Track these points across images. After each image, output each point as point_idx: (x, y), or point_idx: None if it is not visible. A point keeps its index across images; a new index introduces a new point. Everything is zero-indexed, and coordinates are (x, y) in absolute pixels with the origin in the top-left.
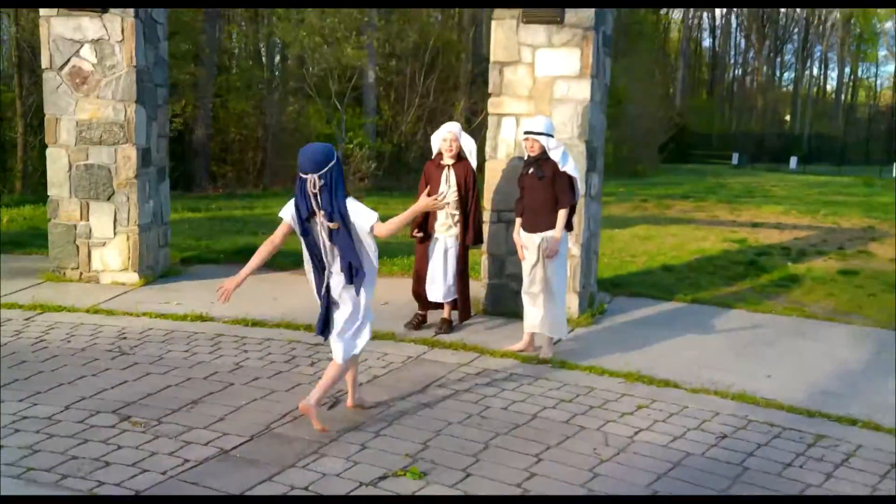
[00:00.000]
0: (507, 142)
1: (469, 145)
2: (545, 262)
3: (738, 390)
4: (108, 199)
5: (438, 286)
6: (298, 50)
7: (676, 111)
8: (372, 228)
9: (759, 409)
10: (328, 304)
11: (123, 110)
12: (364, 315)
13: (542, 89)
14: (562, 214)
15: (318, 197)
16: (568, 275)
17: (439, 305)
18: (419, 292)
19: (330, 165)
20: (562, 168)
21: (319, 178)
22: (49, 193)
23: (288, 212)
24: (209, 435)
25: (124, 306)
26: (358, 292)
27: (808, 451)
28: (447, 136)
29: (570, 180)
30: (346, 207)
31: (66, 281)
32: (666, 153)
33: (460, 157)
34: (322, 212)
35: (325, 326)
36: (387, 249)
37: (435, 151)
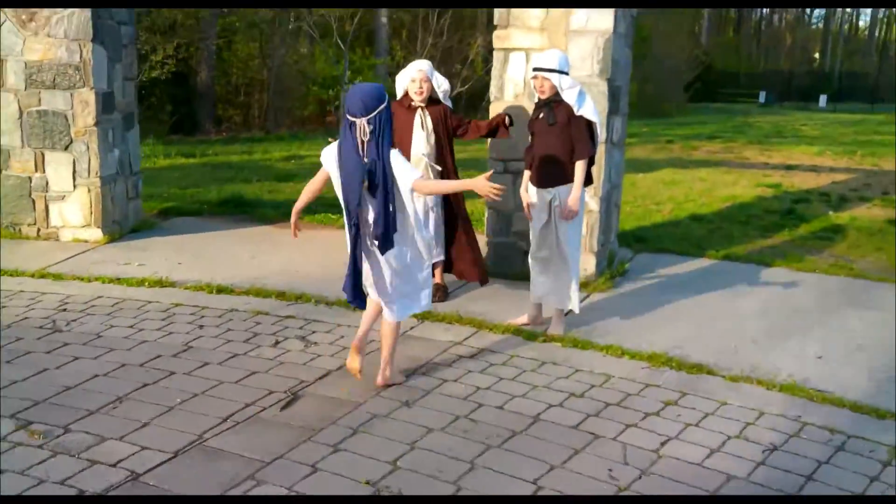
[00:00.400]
0: (515, 81)
1: (443, 85)
2: (558, 222)
3: (786, 378)
4: (66, 148)
5: None
6: None
7: (703, 49)
8: (412, 189)
9: (813, 407)
10: (357, 266)
11: (78, 50)
12: (420, 278)
13: (557, 19)
14: (580, 167)
15: (365, 145)
16: (584, 233)
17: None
18: None
19: (380, 109)
20: (578, 111)
21: (368, 122)
22: (0, 142)
23: (330, 156)
24: (123, 450)
25: (78, 268)
26: (384, 251)
27: (882, 473)
28: (416, 76)
29: (589, 126)
30: (390, 160)
31: (22, 238)
32: (692, 92)
33: (432, 99)
34: (367, 160)
35: (356, 292)
36: None
37: (401, 93)
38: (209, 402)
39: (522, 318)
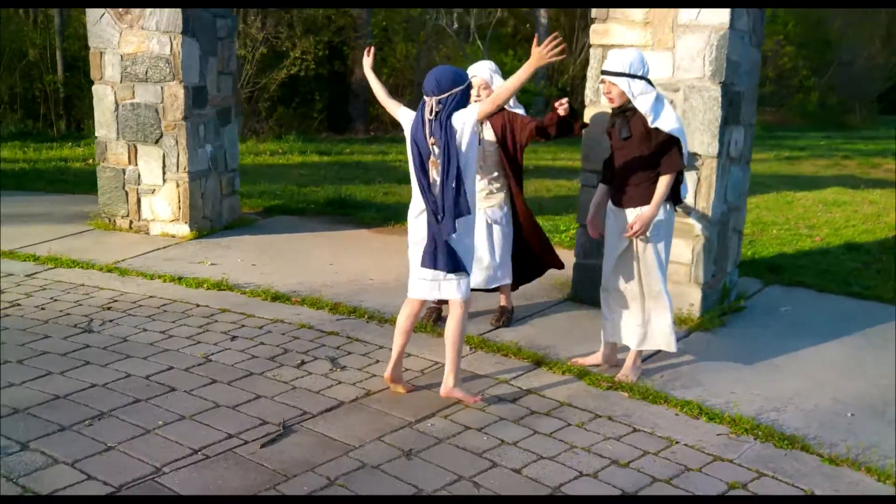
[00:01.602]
0: None
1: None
2: (641, 248)
3: None
4: (156, 142)
5: (479, 270)
6: None
7: None
8: (479, 119)
9: None
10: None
11: (169, 43)
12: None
13: (663, 12)
14: (663, 184)
15: (432, 123)
16: (690, 261)
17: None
18: None
19: (454, 91)
20: (652, 123)
21: (438, 102)
22: (96, 134)
23: (406, 119)
24: (67, 478)
25: (148, 264)
26: (447, 234)
27: None
28: (475, 83)
29: (673, 137)
30: (454, 141)
31: (115, 230)
32: (885, 103)
33: None
34: (433, 139)
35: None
36: None
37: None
38: (191, 427)
39: (591, 358)
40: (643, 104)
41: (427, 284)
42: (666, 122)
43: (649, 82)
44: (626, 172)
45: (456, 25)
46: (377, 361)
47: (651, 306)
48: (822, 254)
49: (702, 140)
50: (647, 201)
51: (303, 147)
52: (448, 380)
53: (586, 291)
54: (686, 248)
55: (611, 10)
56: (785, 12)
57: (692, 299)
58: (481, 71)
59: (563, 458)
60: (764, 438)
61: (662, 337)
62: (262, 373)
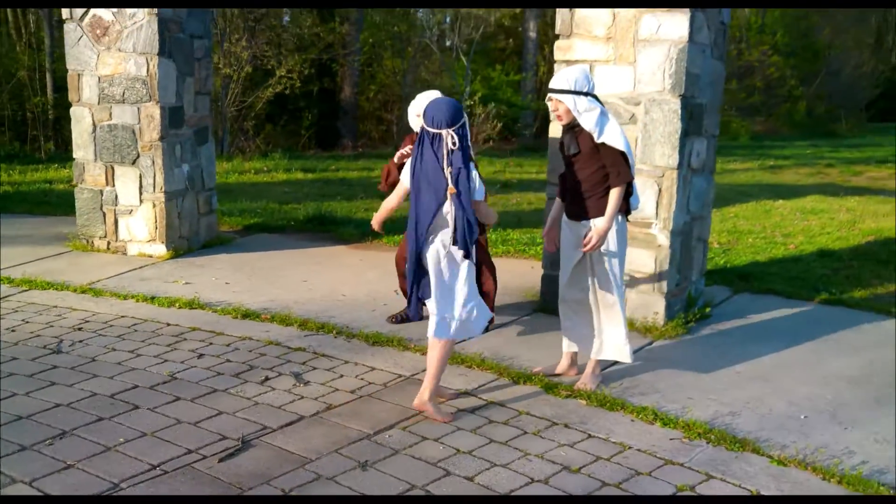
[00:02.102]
0: None
1: None
2: (595, 259)
3: (855, 466)
4: (133, 162)
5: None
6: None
7: (891, 65)
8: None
9: None
10: (418, 276)
11: (146, 64)
12: (470, 292)
13: (625, 27)
14: (614, 196)
15: (451, 155)
16: (653, 271)
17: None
18: (405, 287)
19: (463, 121)
20: (598, 138)
21: (454, 132)
22: (74, 156)
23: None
24: (24, 495)
25: (122, 285)
26: (468, 255)
27: None
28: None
29: (621, 151)
30: (470, 170)
31: (93, 251)
32: (873, 111)
33: None
34: (450, 168)
35: (416, 305)
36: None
37: (416, 127)
38: (152, 444)
39: (554, 368)
40: (588, 121)
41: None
42: (611, 137)
43: (595, 98)
44: (578, 187)
45: (447, 42)
46: (341, 376)
47: (605, 317)
48: (794, 261)
49: (662, 152)
50: (599, 214)
51: (288, 164)
52: (424, 393)
53: (554, 302)
54: (649, 257)
55: (574, 24)
56: (773, 22)
57: (656, 308)
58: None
59: (515, 465)
60: (716, 442)
61: (616, 348)
62: (225, 389)
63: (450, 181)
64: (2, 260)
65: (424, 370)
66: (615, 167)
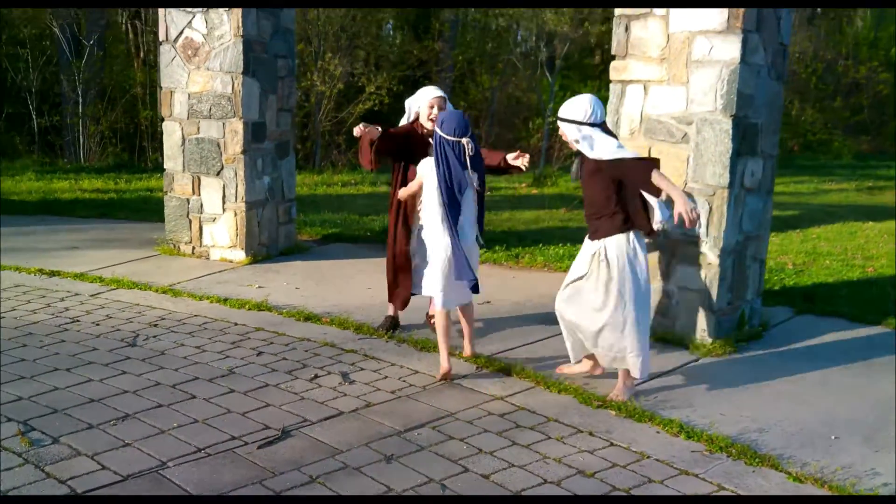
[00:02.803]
0: (632, 116)
1: None
2: (618, 274)
3: (874, 487)
4: (217, 174)
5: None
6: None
7: None
8: None
9: None
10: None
11: (231, 82)
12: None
13: (678, 49)
14: (661, 180)
15: (473, 160)
16: (701, 289)
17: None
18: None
19: (471, 130)
20: (591, 156)
21: (470, 139)
22: (165, 167)
23: (428, 168)
24: (85, 466)
25: (201, 287)
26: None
27: None
28: (433, 102)
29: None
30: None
31: (179, 255)
32: None
33: None
34: (474, 173)
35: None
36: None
37: (412, 115)
38: (202, 430)
39: (580, 367)
40: (583, 147)
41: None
42: (600, 151)
43: (600, 126)
44: (589, 208)
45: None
46: (385, 377)
47: (628, 327)
48: (868, 284)
49: (713, 171)
50: (606, 234)
51: (374, 178)
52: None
53: None
54: (699, 275)
55: (629, 46)
56: (888, 37)
57: (704, 325)
58: (439, 92)
59: (532, 466)
60: (737, 456)
61: (631, 360)
62: (276, 384)
63: (474, 182)
64: (95, 260)
65: (465, 376)
66: (626, 169)
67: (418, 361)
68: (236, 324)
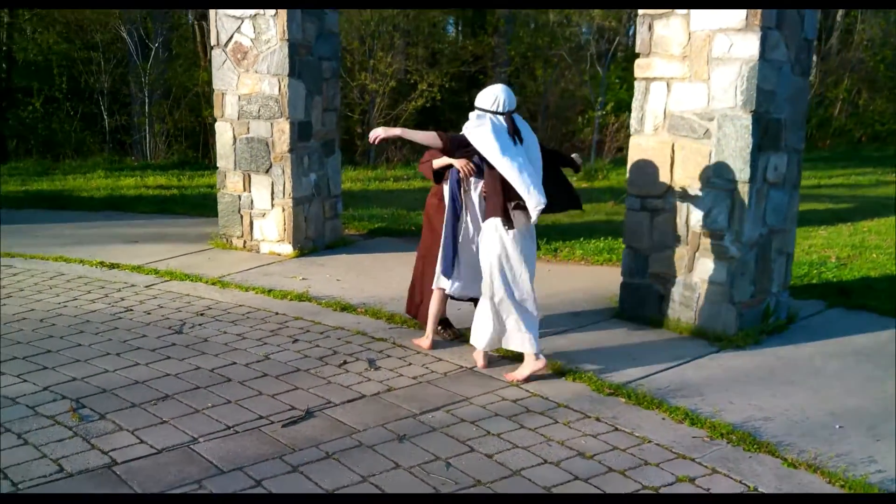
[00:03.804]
0: (656, 113)
1: None
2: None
3: (866, 473)
4: (266, 171)
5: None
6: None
7: None
8: None
9: None
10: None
11: (277, 84)
12: None
13: (699, 46)
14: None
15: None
16: (723, 281)
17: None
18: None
19: None
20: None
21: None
22: (218, 165)
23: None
24: (126, 440)
25: (248, 278)
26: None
27: None
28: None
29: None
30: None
31: (231, 249)
32: None
33: None
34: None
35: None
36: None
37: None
38: (233, 410)
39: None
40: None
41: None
42: (471, 136)
43: (493, 113)
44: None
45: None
46: (409, 364)
47: (499, 308)
48: None
49: (734, 166)
50: (489, 216)
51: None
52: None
53: (632, 309)
54: (721, 268)
55: (653, 44)
56: None
57: (726, 318)
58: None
59: (535, 448)
60: (736, 443)
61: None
62: (307, 370)
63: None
64: (152, 254)
65: (486, 365)
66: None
67: (443, 350)
68: (277, 313)
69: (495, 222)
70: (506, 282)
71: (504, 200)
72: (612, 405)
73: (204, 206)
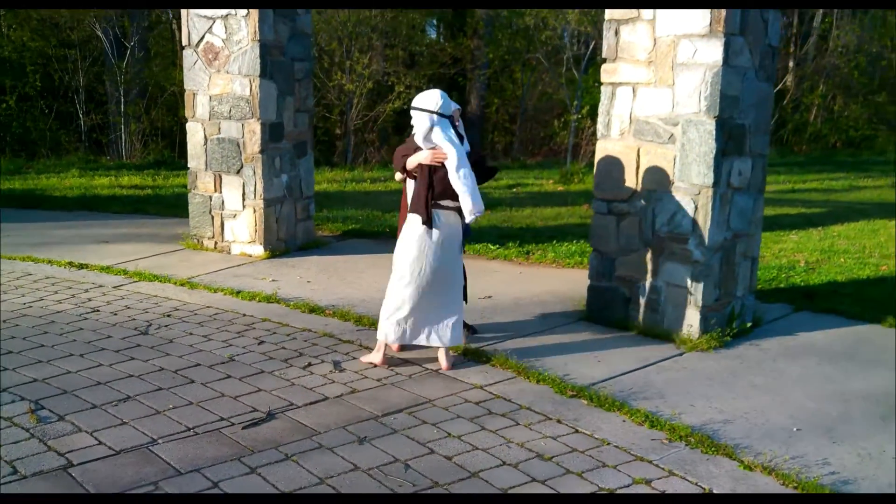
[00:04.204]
0: (622, 117)
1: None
2: None
3: (820, 476)
4: (237, 172)
5: None
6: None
7: None
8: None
9: None
10: None
11: (249, 85)
12: None
13: (664, 52)
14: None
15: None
16: (686, 285)
17: None
18: None
19: None
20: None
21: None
22: (189, 165)
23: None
24: (83, 441)
25: (217, 280)
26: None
27: None
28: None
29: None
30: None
31: (203, 250)
32: None
33: None
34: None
35: None
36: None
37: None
38: (194, 411)
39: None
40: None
41: None
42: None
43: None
44: None
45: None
46: (375, 366)
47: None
48: (877, 283)
49: (698, 170)
50: (411, 209)
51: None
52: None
53: (597, 312)
54: (685, 272)
55: (619, 49)
56: None
57: (691, 321)
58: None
59: (495, 450)
60: (695, 445)
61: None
62: (271, 371)
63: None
64: (122, 254)
65: (451, 367)
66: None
67: (409, 352)
68: (244, 315)
69: (417, 218)
70: (412, 275)
71: (427, 198)
72: (574, 407)
73: (178, 206)
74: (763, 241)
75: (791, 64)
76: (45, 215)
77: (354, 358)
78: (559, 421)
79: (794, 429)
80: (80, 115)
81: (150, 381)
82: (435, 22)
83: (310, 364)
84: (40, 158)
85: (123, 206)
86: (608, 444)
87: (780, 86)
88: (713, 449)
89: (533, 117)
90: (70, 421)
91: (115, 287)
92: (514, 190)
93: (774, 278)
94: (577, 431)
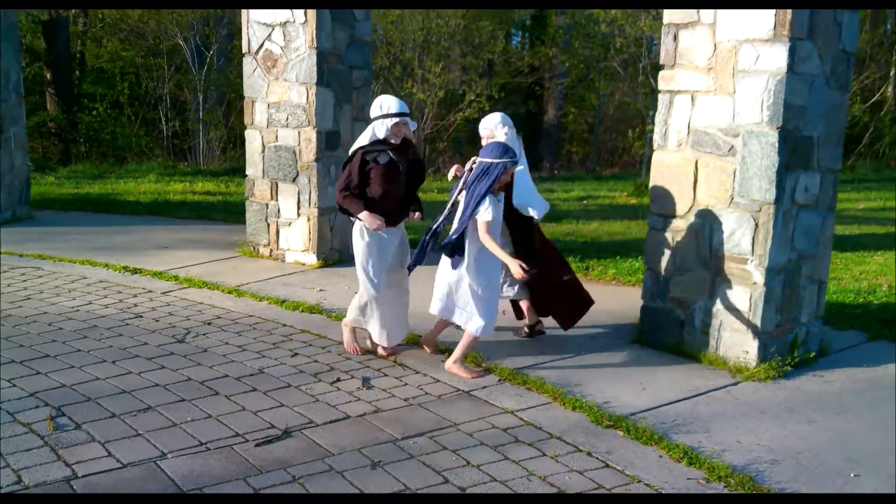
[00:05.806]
0: (679, 127)
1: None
2: None
3: None
4: (293, 180)
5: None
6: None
7: None
8: None
9: None
10: None
11: (305, 93)
12: None
13: (725, 58)
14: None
15: None
16: (745, 309)
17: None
18: None
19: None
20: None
21: None
22: (247, 172)
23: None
24: (94, 452)
25: (265, 288)
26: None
27: None
28: (483, 134)
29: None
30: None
31: (258, 257)
32: None
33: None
34: None
35: None
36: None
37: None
38: (211, 425)
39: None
40: None
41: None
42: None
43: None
44: None
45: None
46: (405, 384)
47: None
48: None
49: (759, 185)
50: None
51: None
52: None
53: (649, 335)
54: (743, 295)
55: (678, 55)
56: None
57: (747, 348)
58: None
59: (513, 483)
60: (735, 487)
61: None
62: (298, 386)
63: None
64: (178, 260)
65: (484, 387)
66: None
67: (442, 371)
68: (284, 325)
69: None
70: (369, 277)
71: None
72: (608, 438)
73: (242, 213)
74: (844, 262)
75: (893, 73)
76: (114, 219)
77: (386, 374)
78: (589, 453)
79: (852, 474)
80: (164, 123)
81: (174, 391)
82: (518, 31)
83: (338, 380)
84: (125, 164)
85: (190, 211)
86: (638, 481)
87: (877, 96)
88: (754, 493)
89: (610, 127)
90: (86, 430)
91: (163, 293)
92: (585, 202)
93: (852, 303)
94: (607, 466)
